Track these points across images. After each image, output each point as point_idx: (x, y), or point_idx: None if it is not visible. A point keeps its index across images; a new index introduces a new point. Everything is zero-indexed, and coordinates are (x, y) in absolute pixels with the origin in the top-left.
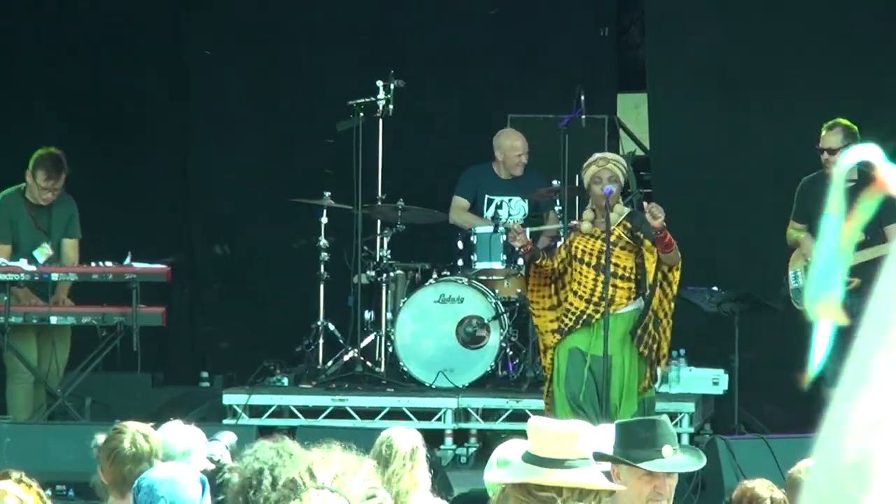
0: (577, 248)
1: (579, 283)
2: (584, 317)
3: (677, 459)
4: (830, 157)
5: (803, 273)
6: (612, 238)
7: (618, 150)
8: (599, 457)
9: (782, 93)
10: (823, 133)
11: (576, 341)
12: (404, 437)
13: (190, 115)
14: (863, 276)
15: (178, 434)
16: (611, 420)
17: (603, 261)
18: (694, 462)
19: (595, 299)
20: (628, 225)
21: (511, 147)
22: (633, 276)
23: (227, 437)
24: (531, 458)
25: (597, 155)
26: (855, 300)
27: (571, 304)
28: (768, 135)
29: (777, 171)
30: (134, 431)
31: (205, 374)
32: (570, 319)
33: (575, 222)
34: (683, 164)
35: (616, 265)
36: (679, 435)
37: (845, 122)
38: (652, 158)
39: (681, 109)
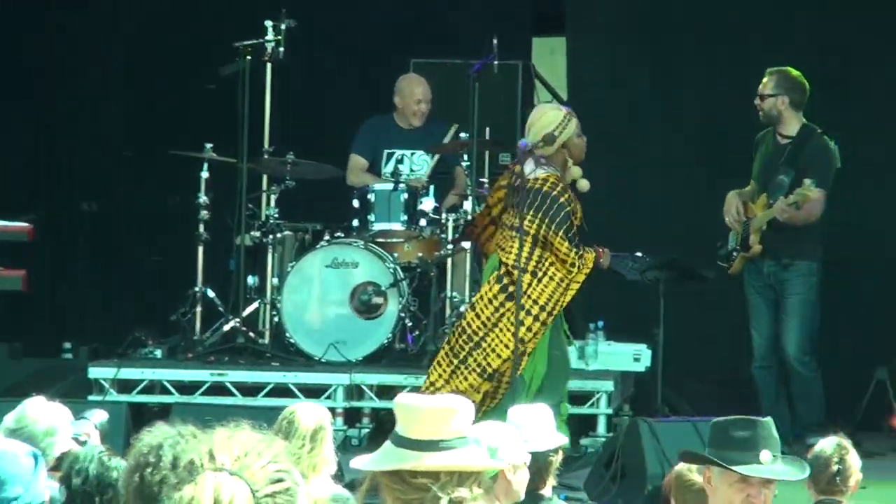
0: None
1: None
2: None
3: (777, 467)
4: (760, 102)
5: (733, 236)
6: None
7: (532, 100)
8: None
9: (718, 39)
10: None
11: None
12: (308, 414)
13: (49, 54)
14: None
15: (41, 411)
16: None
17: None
18: (795, 472)
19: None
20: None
21: (410, 93)
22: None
23: (97, 416)
24: (401, 441)
25: (564, 108)
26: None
27: None
28: (700, 85)
29: (709, 126)
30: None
31: (68, 345)
32: None
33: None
34: (606, 116)
35: None
36: (595, 416)
37: (789, 69)
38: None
39: (603, 56)
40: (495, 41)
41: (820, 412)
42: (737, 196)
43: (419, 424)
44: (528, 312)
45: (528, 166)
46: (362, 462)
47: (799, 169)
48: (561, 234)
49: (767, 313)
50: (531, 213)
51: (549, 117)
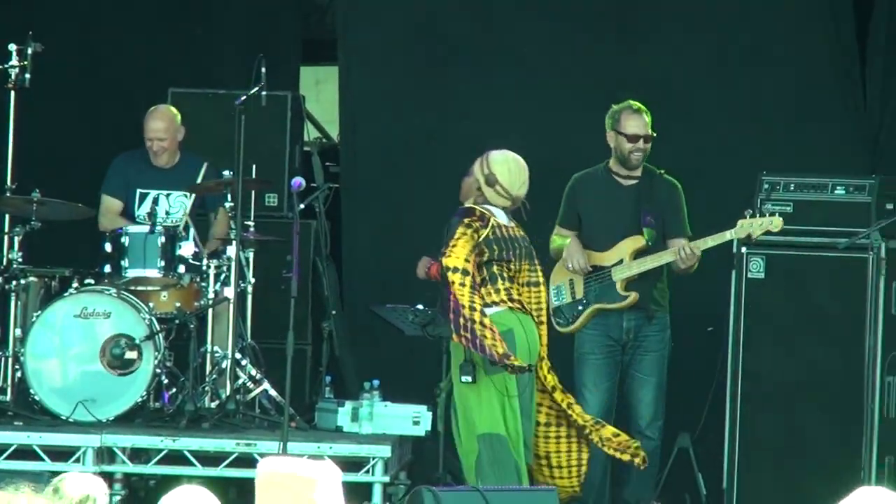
0: None
1: None
2: None
3: None
4: (644, 144)
5: (568, 288)
6: None
7: (302, 133)
8: None
9: (515, 66)
10: (626, 118)
11: None
12: (76, 485)
13: None
14: (639, 288)
15: None
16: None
17: None
18: None
19: None
20: None
21: (148, 129)
22: None
23: None
24: None
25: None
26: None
27: None
28: (490, 117)
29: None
30: None
31: None
32: None
33: None
34: (381, 153)
35: None
36: (370, 485)
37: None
38: (342, 147)
39: (379, 86)
40: (264, 69)
41: (653, 486)
42: (578, 246)
43: (275, 495)
44: None
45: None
46: None
47: (660, 210)
48: None
49: (611, 376)
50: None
51: None
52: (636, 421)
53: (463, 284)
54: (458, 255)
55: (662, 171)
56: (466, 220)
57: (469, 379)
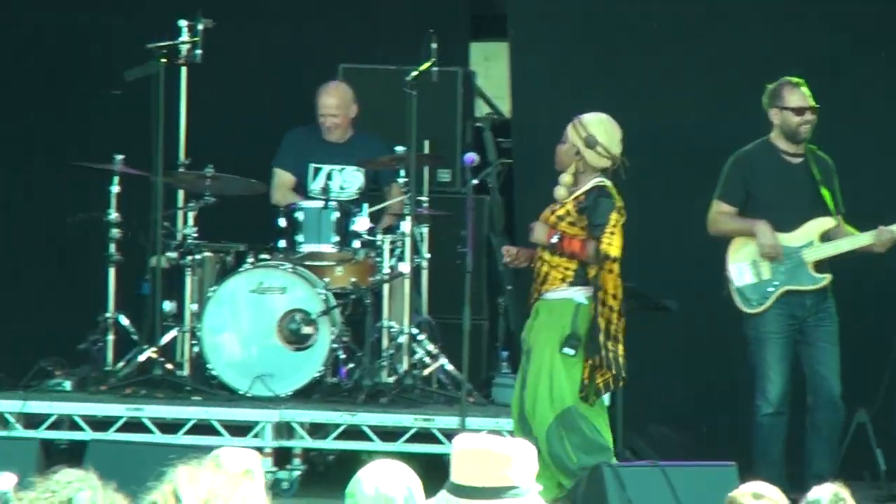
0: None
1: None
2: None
3: None
4: (811, 115)
5: (751, 268)
6: (561, 212)
7: (473, 110)
8: None
9: (683, 41)
10: (788, 92)
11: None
12: (234, 459)
13: None
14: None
15: None
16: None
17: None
18: None
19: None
20: (581, 199)
21: (321, 105)
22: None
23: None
24: (451, 488)
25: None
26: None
27: None
28: (654, 97)
29: (670, 138)
30: None
31: None
32: None
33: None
34: (552, 128)
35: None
36: None
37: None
38: (513, 122)
39: (550, 61)
40: (434, 45)
41: (836, 460)
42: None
43: (468, 470)
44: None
45: None
46: None
47: (827, 189)
48: None
49: (790, 355)
50: None
51: None
52: (829, 391)
53: (619, 275)
54: (617, 244)
55: (816, 148)
56: (619, 206)
57: (572, 353)
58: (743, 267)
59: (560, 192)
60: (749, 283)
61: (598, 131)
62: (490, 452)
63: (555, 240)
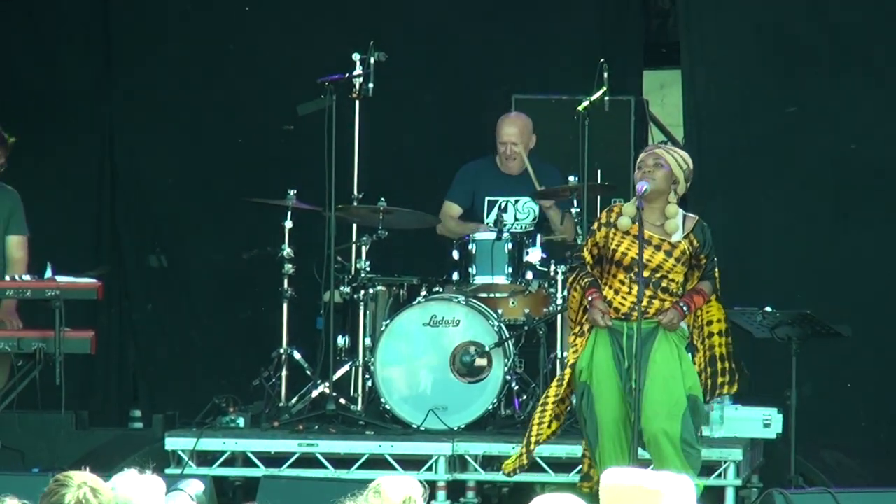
0: (615, 248)
1: (616, 293)
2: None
3: None
4: None
5: None
6: (677, 253)
7: (646, 138)
8: None
9: (855, 69)
10: None
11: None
12: (395, 487)
13: (117, 103)
14: None
15: (133, 486)
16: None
17: (655, 276)
18: None
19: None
20: (695, 242)
21: (502, 133)
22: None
23: (193, 487)
24: None
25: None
26: None
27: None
28: (835, 122)
29: (844, 167)
30: (80, 483)
31: (137, 413)
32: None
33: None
34: (727, 157)
35: (672, 281)
36: (723, 488)
37: None
38: (686, 149)
39: (722, 88)
40: (606, 74)
41: None
42: None
43: None
44: None
45: None
46: None
47: None
48: None
49: None
50: None
51: None
52: None
53: None
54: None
55: None
56: None
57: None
58: None
59: (625, 221)
60: None
61: (691, 165)
62: (641, 489)
63: (686, 311)
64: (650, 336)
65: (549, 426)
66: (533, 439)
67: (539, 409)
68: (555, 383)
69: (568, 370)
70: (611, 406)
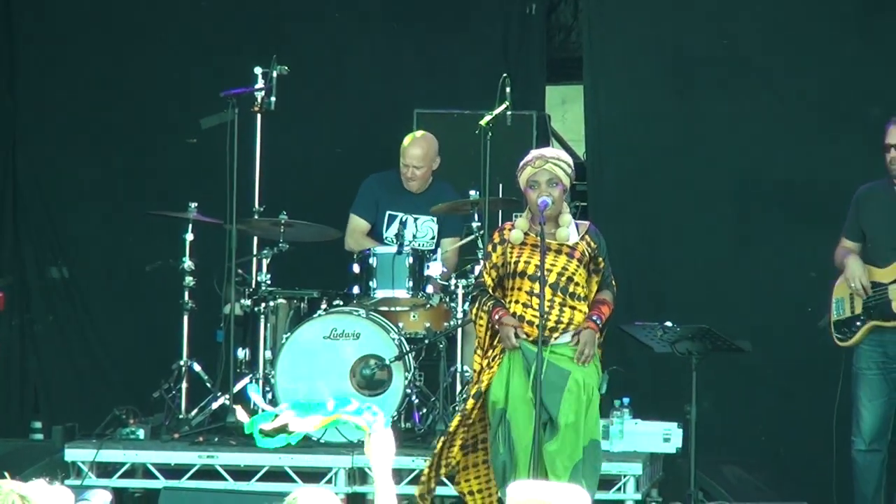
0: (516, 260)
1: (525, 306)
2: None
3: None
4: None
5: (848, 303)
6: (577, 254)
7: None
8: None
9: (753, 82)
10: (890, 129)
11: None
12: (312, 499)
13: (19, 115)
14: None
15: (47, 496)
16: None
17: (562, 280)
18: None
19: (552, 324)
20: (592, 244)
21: (407, 154)
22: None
23: (99, 497)
24: None
25: (533, 153)
26: None
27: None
28: (735, 135)
29: (744, 182)
30: (8, 491)
31: (37, 425)
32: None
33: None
34: (627, 171)
35: (577, 284)
36: (622, 502)
37: None
38: (588, 165)
39: (624, 104)
40: (509, 89)
41: None
42: (857, 262)
43: None
44: None
45: None
46: None
47: None
48: None
49: (886, 391)
50: None
51: None
52: None
53: None
54: None
55: None
56: None
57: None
58: (841, 301)
59: (517, 234)
60: (843, 317)
61: (572, 165)
62: (540, 503)
63: (598, 323)
64: (563, 374)
65: (458, 449)
66: (443, 462)
67: (443, 438)
68: (458, 416)
69: (471, 401)
70: (528, 433)
